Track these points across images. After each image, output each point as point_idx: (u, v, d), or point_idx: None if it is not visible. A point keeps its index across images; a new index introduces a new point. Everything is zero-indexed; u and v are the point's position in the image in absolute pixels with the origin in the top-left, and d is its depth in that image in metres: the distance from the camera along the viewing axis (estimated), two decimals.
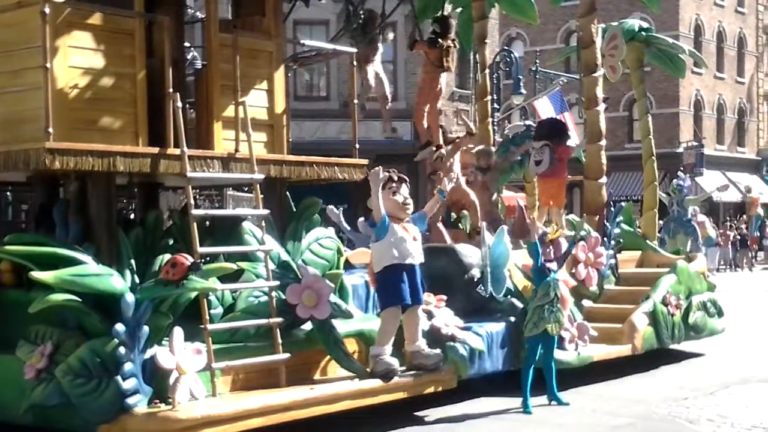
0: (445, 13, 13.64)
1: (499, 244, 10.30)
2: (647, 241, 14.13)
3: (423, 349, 8.96)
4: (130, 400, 7.25)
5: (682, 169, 31.12)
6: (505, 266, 10.28)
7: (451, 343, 9.39)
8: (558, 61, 30.88)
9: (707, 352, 13.04)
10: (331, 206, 11.18)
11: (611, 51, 13.77)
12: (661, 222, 15.67)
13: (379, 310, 9.03)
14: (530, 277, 10.00)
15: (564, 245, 9.89)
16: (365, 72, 11.87)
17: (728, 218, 44.81)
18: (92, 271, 7.49)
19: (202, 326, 7.80)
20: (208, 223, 8.95)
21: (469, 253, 10.55)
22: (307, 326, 8.66)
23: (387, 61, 31.11)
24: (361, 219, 11.77)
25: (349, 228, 12.02)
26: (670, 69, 16.40)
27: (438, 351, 9.09)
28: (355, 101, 10.47)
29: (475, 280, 10.35)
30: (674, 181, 15.89)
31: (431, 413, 9.27)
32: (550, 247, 9.58)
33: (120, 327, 7.27)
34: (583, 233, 11.84)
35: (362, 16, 12.36)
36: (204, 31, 9.41)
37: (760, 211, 28.21)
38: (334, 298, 8.80)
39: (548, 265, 9.47)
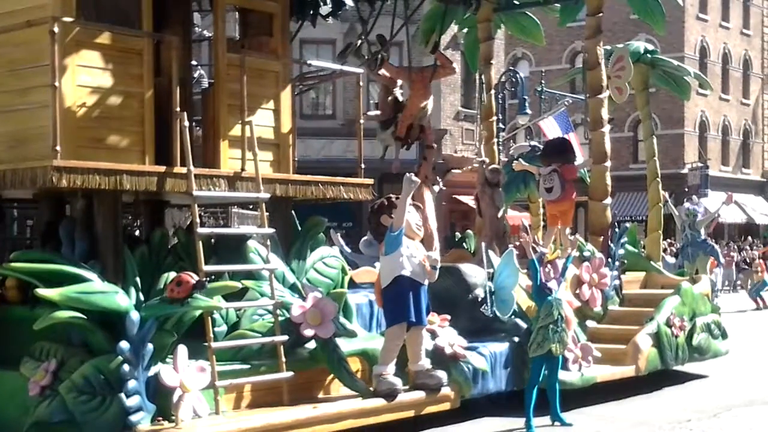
0: (451, 33, 13.78)
1: (507, 266, 10.27)
2: (651, 262, 14.14)
3: (426, 369, 8.96)
4: (133, 418, 7.27)
5: (687, 191, 30.97)
6: (513, 288, 10.25)
7: (455, 363, 9.40)
8: (563, 82, 30.93)
9: (711, 373, 13.02)
10: (331, 230, 11.23)
11: (617, 72, 13.83)
12: (664, 244, 15.64)
13: (385, 326, 9.04)
14: (532, 297, 10.01)
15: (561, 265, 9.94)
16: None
17: (730, 240, 44.76)
18: (97, 289, 7.53)
19: (206, 344, 7.82)
20: (213, 241, 8.98)
21: (473, 273, 10.56)
22: (311, 345, 8.68)
23: None
24: (364, 238, 11.80)
25: (349, 251, 12.03)
26: (676, 90, 16.45)
27: (441, 371, 9.10)
28: (361, 120, 10.51)
29: (479, 300, 10.35)
30: (687, 205, 15.85)
31: None
32: (549, 267, 9.61)
33: (124, 344, 7.31)
34: (587, 254, 11.85)
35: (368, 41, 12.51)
36: (211, 50, 9.47)
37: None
38: (338, 317, 8.82)
39: (548, 284, 9.49)
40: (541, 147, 16.42)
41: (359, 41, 12.78)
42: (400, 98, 12.57)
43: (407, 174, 8.70)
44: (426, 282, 8.76)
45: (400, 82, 12.58)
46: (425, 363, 8.98)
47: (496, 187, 12.65)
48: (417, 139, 12.66)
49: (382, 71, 12.42)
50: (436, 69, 12.92)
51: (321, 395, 8.80)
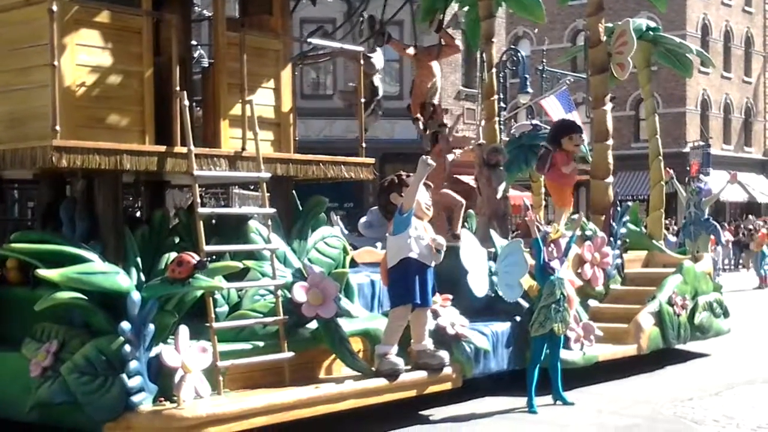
0: (452, 11, 13.74)
1: (514, 254, 10.16)
2: (653, 241, 14.12)
3: (429, 349, 8.95)
4: (135, 398, 7.26)
5: (689, 170, 30.95)
6: (521, 277, 10.14)
7: (457, 343, 9.39)
8: (565, 60, 30.84)
9: (713, 352, 13.03)
10: (331, 212, 11.23)
11: (619, 48, 13.75)
12: (665, 221, 15.62)
13: (390, 306, 9.02)
14: (535, 276, 9.99)
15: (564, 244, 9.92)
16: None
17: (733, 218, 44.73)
18: (98, 269, 7.50)
19: (208, 324, 7.81)
20: (214, 221, 8.96)
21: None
22: (313, 325, 8.67)
23: (393, 60, 31.16)
24: (363, 219, 11.78)
25: (347, 232, 12.03)
26: (678, 68, 16.40)
27: (443, 350, 9.09)
28: (362, 100, 10.47)
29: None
30: (693, 183, 15.85)
31: (436, 412, 9.28)
32: (552, 246, 9.58)
33: (126, 325, 7.28)
34: (588, 233, 11.83)
35: (362, 21, 12.49)
36: (211, 30, 9.41)
37: (766, 250, 28.29)
38: (339, 297, 8.80)
39: (551, 264, 9.47)
40: (542, 125, 16.45)
41: (361, 21, 12.76)
42: (377, 83, 12.55)
43: (423, 156, 8.65)
44: (432, 264, 8.73)
45: (380, 67, 12.55)
46: (428, 343, 8.97)
47: (494, 168, 12.60)
48: (430, 118, 12.67)
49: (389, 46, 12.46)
50: (441, 48, 12.92)
51: (323, 375, 8.78)
